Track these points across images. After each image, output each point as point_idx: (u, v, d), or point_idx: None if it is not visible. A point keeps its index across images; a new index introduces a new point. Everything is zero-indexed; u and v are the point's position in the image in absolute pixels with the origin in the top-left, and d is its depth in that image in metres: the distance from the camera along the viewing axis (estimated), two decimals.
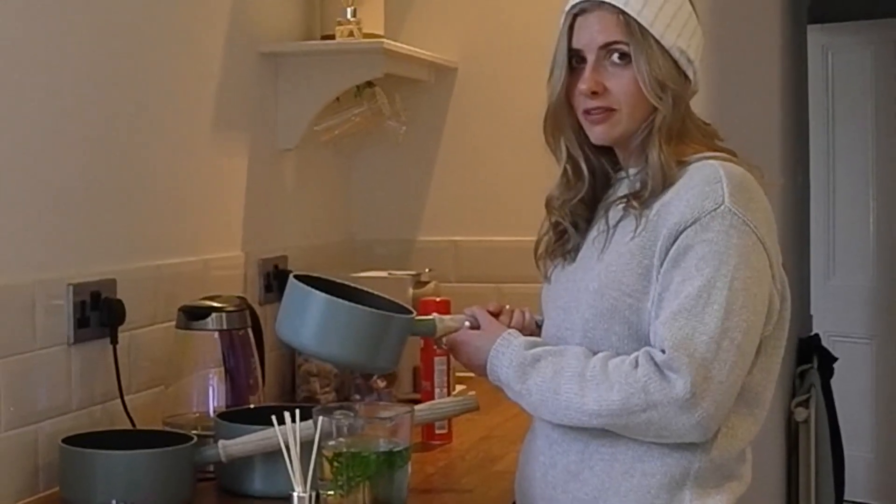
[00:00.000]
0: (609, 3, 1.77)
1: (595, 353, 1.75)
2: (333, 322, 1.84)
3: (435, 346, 2.37)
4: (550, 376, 1.76)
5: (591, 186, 1.89)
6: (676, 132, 1.79)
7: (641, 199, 1.78)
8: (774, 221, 1.78)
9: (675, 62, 1.78)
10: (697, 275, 1.68)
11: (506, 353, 1.82)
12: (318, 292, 1.85)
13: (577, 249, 1.89)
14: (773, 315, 1.76)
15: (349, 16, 2.92)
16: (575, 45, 1.81)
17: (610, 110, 1.80)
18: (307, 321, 1.85)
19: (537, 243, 1.95)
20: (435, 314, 2.00)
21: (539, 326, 1.96)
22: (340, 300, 1.85)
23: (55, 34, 2.14)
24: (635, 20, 1.76)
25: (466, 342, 1.91)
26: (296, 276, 1.89)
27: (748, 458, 1.85)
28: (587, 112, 1.82)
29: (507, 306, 1.97)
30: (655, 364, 1.67)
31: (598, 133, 1.83)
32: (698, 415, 1.67)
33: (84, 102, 2.21)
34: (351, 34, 2.91)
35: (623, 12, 1.76)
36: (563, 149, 1.89)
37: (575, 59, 1.82)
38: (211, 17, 2.66)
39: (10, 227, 2.02)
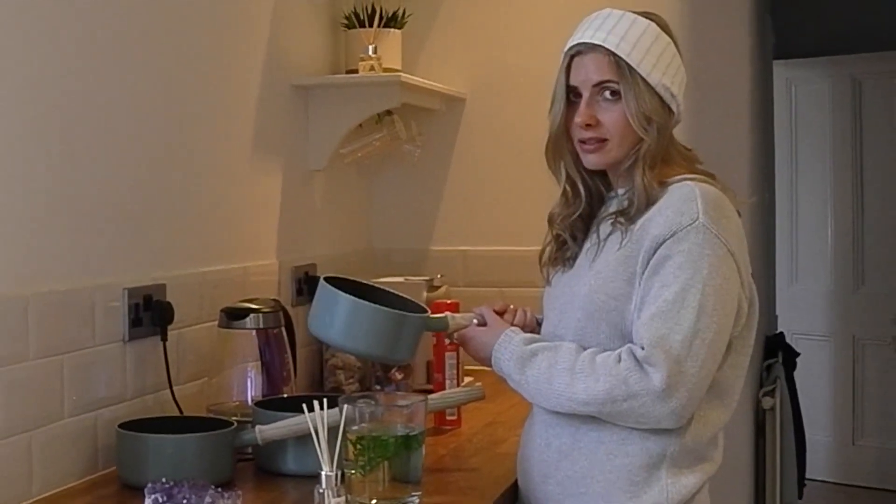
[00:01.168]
0: (602, 46, 1.77)
1: (585, 349, 1.75)
2: (358, 320, 1.84)
3: (446, 341, 2.37)
4: (545, 368, 1.76)
5: (588, 204, 1.89)
6: (661, 158, 1.79)
7: (628, 215, 1.78)
8: (744, 235, 1.78)
9: (661, 97, 1.78)
10: (674, 282, 1.68)
11: (507, 347, 1.83)
12: (345, 294, 1.85)
13: (574, 258, 1.89)
14: (741, 317, 1.76)
15: (371, 52, 2.93)
16: (572, 82, 1.81)
17: (602, 140, 1.80)
18: (336, 319, 1.85)
19: (541, 252, 1.95)
20: (447, 312, 2.00)
21: (539, 324, 1.96)
22: (365, 302, 1.85)
23: (123, 74, 2.14)
24: (625, 61, 1.76)
25: (474, 337, 1.92)
26: (326, 279, 1.89)
27: (720, 443, 1.85)
28: (582, 142, 1.82)
29: (512, 306, 1.98)
30: (636, 359, 1.67)
31: (591, 160, 1.83)
32: (673, 404, 1.67)
33: (138, 128, 2.21)
34: (372, 69, 2.92)
35: (614, 54, 1.76)
36: (563, 172, 1.89)
37: (572, 94, 1.82)
38: (250, 55, 2.67)
39: (72, 238, 2.02)
